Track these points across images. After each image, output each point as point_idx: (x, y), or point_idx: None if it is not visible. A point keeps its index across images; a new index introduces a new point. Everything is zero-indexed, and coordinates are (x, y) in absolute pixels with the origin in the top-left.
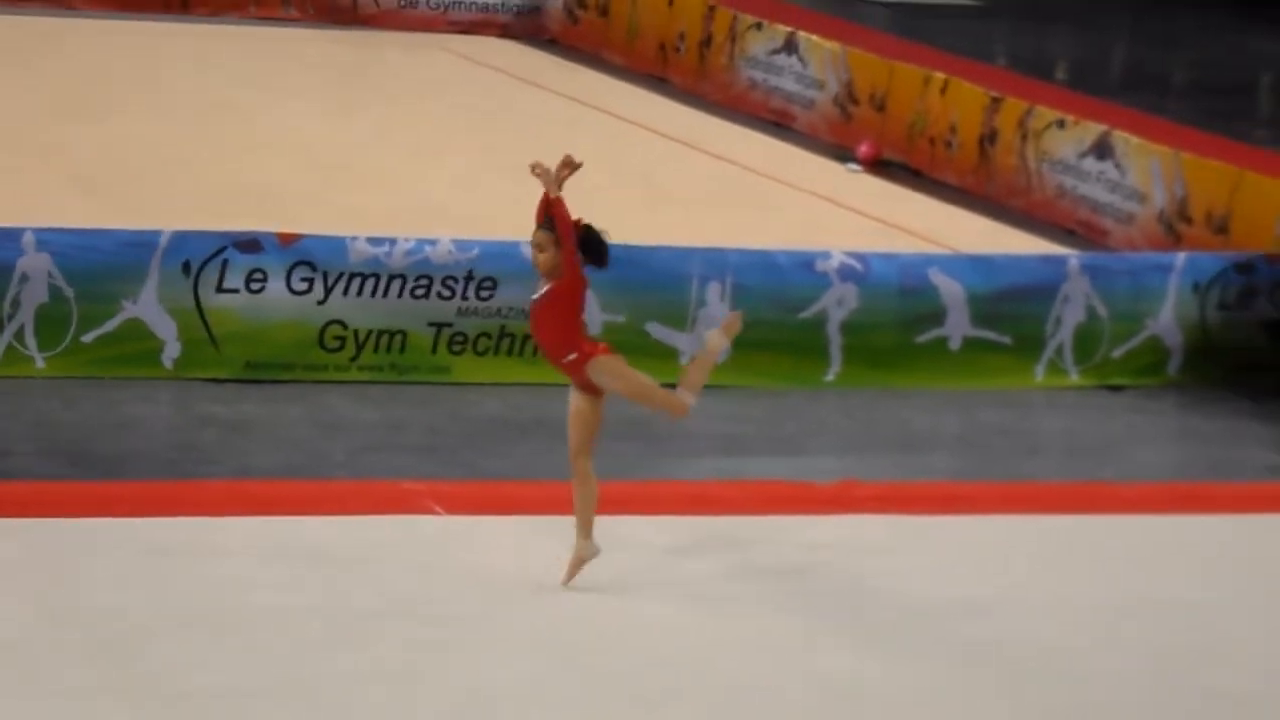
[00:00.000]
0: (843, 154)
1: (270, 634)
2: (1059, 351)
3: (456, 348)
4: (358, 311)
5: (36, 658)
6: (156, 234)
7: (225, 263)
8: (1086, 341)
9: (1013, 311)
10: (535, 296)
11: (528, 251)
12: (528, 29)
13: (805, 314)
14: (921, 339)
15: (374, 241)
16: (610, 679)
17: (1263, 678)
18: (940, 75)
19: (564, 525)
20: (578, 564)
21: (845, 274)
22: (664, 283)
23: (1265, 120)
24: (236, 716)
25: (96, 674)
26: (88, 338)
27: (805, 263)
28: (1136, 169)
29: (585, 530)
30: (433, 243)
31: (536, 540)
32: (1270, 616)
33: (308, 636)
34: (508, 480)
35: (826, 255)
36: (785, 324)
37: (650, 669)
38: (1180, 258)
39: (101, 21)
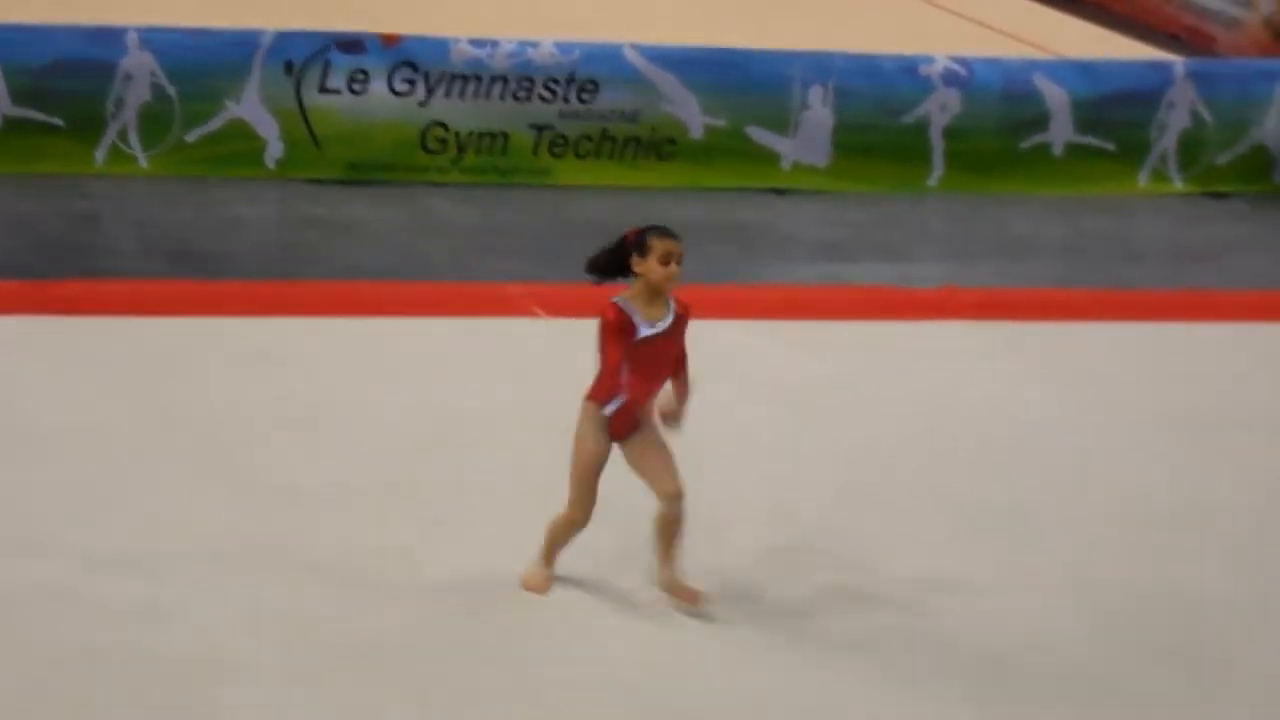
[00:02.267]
0: None
1: (373, 434)
2: (1163, 158)
3: (558, 150)
4: (459, 113)
5: (140, 454)
6: (259, 33)
7: (327, 63)
8: (1191, 148)
9: (1117, 117)
10: (665, 327)
11: (630, 54)
12: None
13: (908, 118)
14: (1025, 144)
15: (476, 43)
16: (700, 478)
17: None
18: None
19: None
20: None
21: (949, 78)
22: (766, 86)
23: None
24: (339, 513)
25: (198, 469)
26: (191, 137)
27: (908, 67)
28: None
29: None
30: (535, 44)
31: None
32: None
33: (411, 438)
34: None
35: (930, 59)
36: (887, 128)
37: (746, 475)
38: None
39: None
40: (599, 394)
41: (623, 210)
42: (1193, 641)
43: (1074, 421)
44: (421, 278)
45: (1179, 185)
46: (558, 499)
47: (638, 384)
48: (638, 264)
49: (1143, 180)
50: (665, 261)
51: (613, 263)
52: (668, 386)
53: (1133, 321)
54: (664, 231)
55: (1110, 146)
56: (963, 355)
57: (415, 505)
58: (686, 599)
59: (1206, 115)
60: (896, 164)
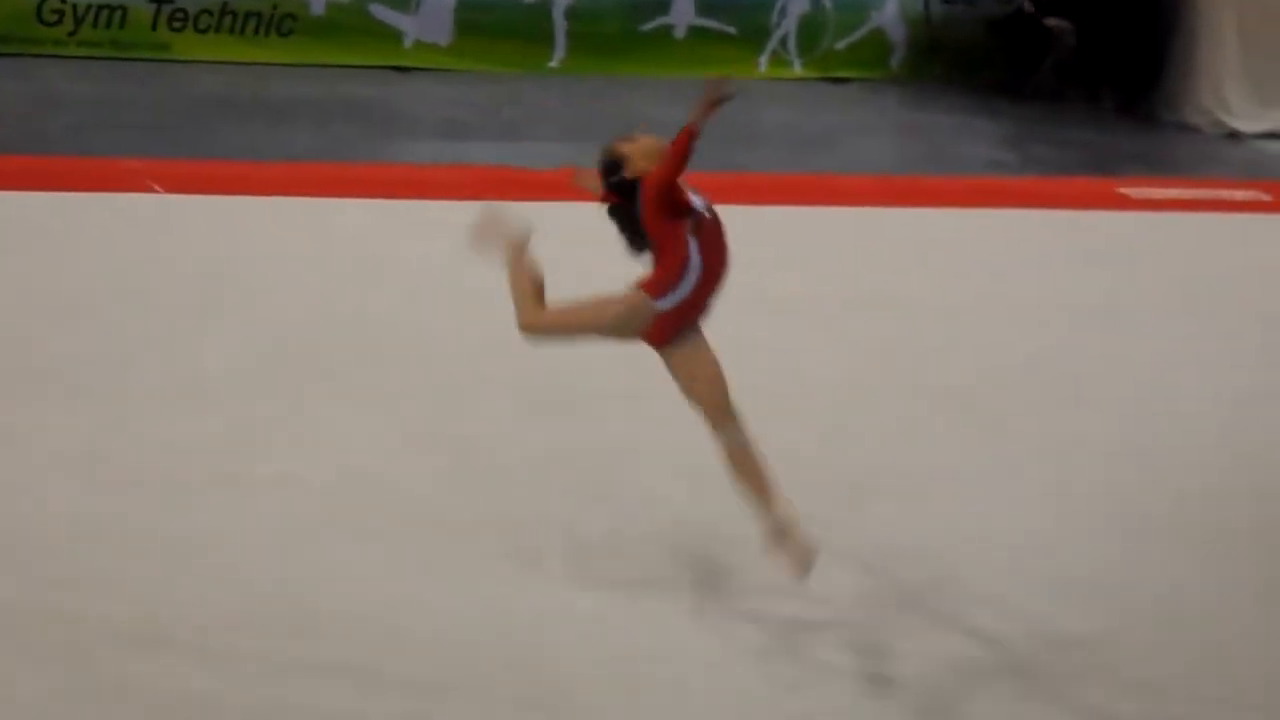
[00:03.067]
0: None
1: None
2: (783, 42)
3: (177, 25)
4: None
5: None
6: None
7: None
8: (811, 33)
9: (739, 1)
10: (706, 203)
11: None
12: None
13: None
14: (647, 27)
15: None
16: (321, 358)
17: (975, 374)
18: None
19: (286, 205)
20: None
21: None
22: None
23: None
24: None
25: None
26: None
27: None
28: None
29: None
30: None
31: (255, 220)
32: (987, 311)
33: (23, 314)
34: (229, 160)
35: None
36: (510, 8)
37: (363, 356)
38: None
39: None
40: (654, 285)
41: (242, 86)
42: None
43: None
44: (37, 152)
45: (798, 70)
46: (172, 376)
47: (706, 273)
48: (633, 169)
49: (763, 64)
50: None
51: (622, 189)
52: None
53: (750, 205)
54: (615, 139)
55: (731, 30)
56: (581, 236)
57: (28, 384)
58: (801, 560)
59: (826, 1)
60: (519, 44)
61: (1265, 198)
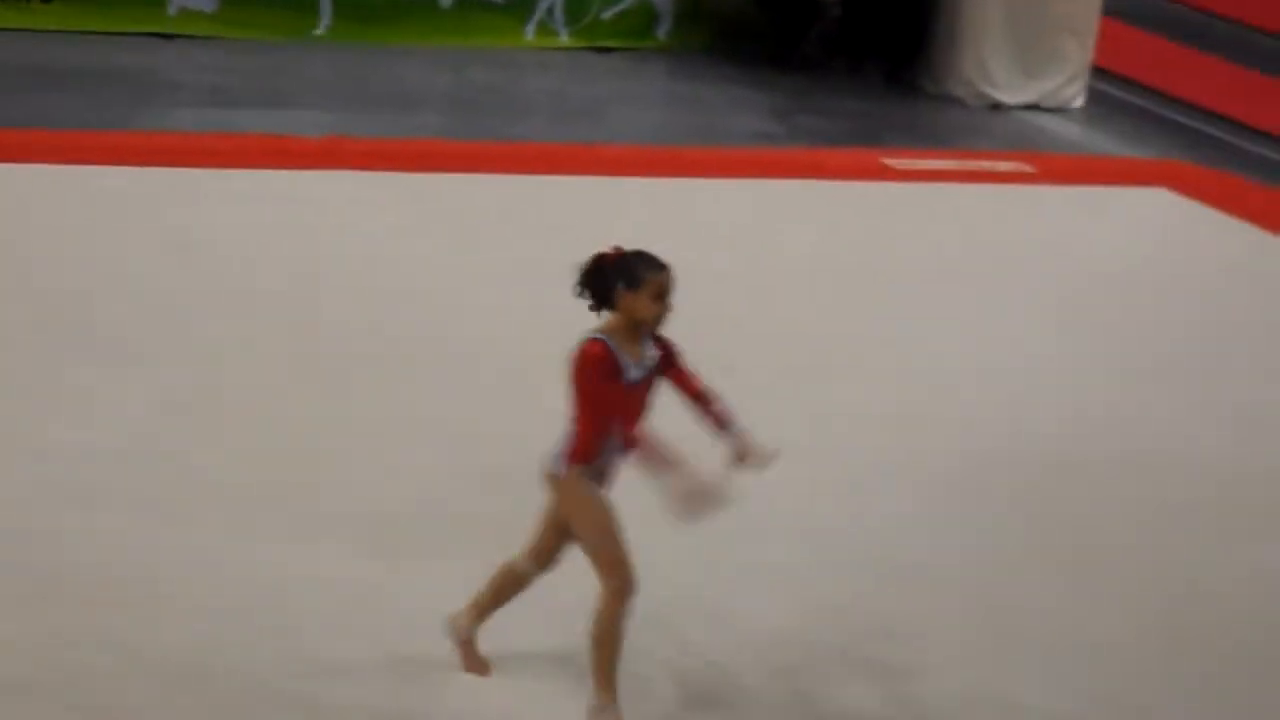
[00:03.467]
0: None
1: None
2: (549, 12)
3: None
4: None
5: None
6: None
7: None
8: (577, 2)
9: None
10: (651, 366)
11: None
12: None
13: None
14: None
15: None
16: (88, 325)
17: (736, 344)
18: None
19: (49, 172)
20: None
21: None
22: None
23: None
24: None
25: None
26: None
27: None
28: None
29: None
30: None
31: (18, 187)
32: (751, 281)
33: None
34: (26, 128)
35: None
36: None
37: (132, 323)
38: None
39: None
40: (581, 454)
41: (4, 52)
42: None
43: (454, 270)
44: None
45: (565, 39)
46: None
47: (629, 433)
48: (624, 297)
49: (529, 34)
50: (658, 297)
51: (599, 291)
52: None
53: (516, 175)
54: (655, 262)
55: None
56: (348, 205)
57: None
58: (475, 666)
59: None
60: (284, 12)
61: (1028, 169)
